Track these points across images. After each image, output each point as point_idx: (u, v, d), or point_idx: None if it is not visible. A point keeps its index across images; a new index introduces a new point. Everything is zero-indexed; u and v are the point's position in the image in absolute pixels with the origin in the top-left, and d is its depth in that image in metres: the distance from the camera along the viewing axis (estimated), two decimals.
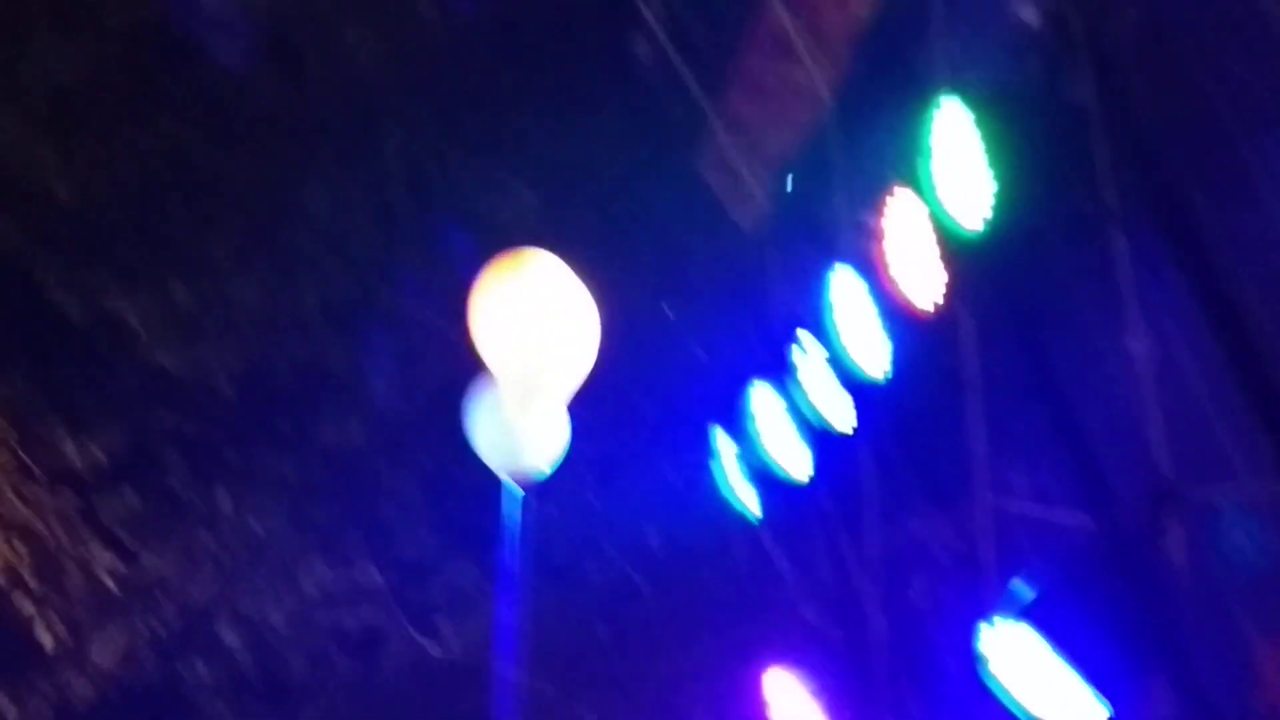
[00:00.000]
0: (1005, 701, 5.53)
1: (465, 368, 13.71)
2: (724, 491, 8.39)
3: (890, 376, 6.96)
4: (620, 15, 9.73)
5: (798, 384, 7.50)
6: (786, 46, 8.29)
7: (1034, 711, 5.47)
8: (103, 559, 13.62)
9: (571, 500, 13.38)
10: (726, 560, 10.82)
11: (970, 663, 6.09)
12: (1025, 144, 5.86)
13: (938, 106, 6.04)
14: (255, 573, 13.64)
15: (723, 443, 8.29)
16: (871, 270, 6.81)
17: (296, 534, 13.89)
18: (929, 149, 6.14)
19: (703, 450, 8.17)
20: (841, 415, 7.38)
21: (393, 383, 13.65)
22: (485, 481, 13.84)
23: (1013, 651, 5.50)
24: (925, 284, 6.46)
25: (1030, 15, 6.00)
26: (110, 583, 13.49)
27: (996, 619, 5.51)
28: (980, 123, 5.90)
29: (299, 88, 11.16)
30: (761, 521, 8.31)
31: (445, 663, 14.24)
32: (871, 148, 7.72)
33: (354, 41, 10.67)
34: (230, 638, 13.73)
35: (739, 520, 8.41)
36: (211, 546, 13.64)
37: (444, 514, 14.10)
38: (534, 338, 6.43)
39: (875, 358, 6.98)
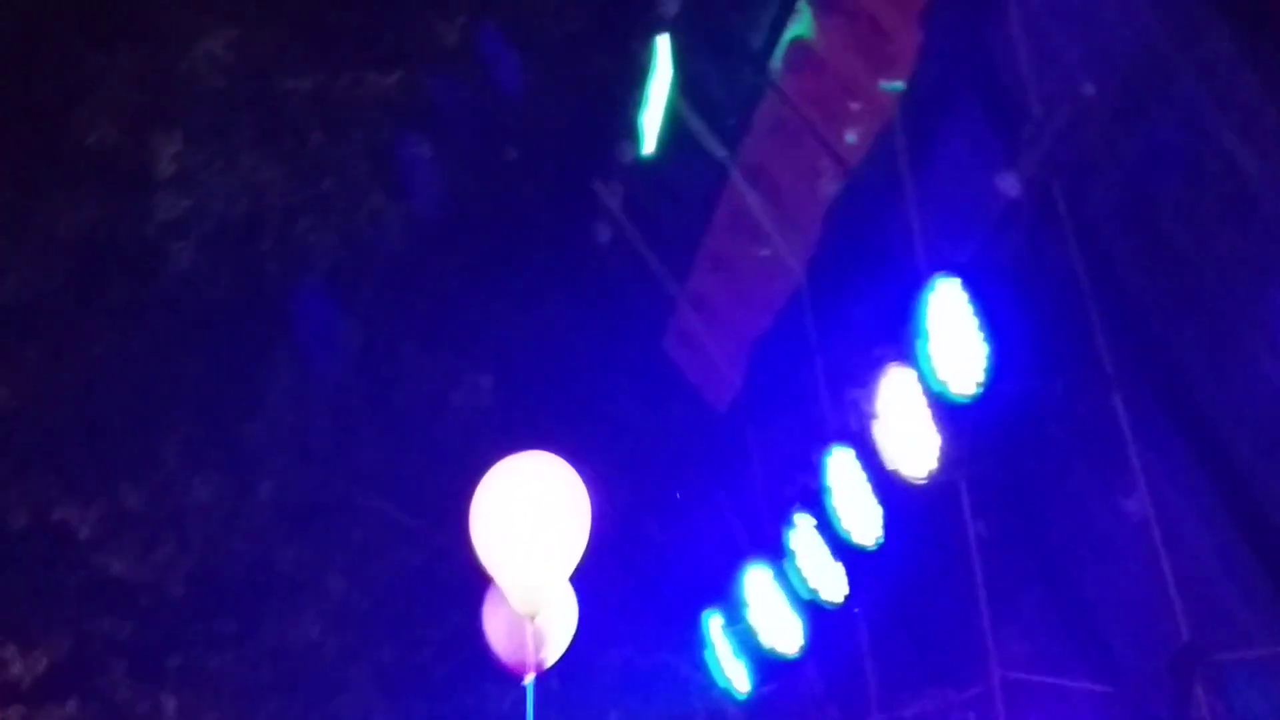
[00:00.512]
0: None
1: (422, 559, 13.65)
2: (715, 674, 8.28)
3: (882, 545, 6.94)
4: (580, 202, 9.84)
5: (793, 562, 7.46)
6: (753, 225, 8.40)
7: None
8: None
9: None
10: None
11: None
12: (1019, 314, 5.94)
13: (933, 287, 6.12)
14: None
15: (714, 627, 8.22)
16: (867, 446, 6.83)
17: None
18: (925, 326, 6.21)
19: (689, 634, 8.02)
20: (835, 588, 7.34)
21: (349, 577, 13.48)
22: (441, 668, 13.72)
23: None
24: (922, 456, 6.48)
25: (1011, 186, 6.12)
26: None
27: None
28: (974, 298, 5.98)
29: (255, 284, 11.16)
30: (750, 699, 8.19)
31: None
32: (851, 324, 7.80)
33: (311, 237, 10.69)
34: None
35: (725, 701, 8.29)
36: None
37: (401, 707, 13.87)
38: (534, 543, 6.51)
39: (870, 530, 6.97)
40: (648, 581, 12.29)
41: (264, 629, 13.72)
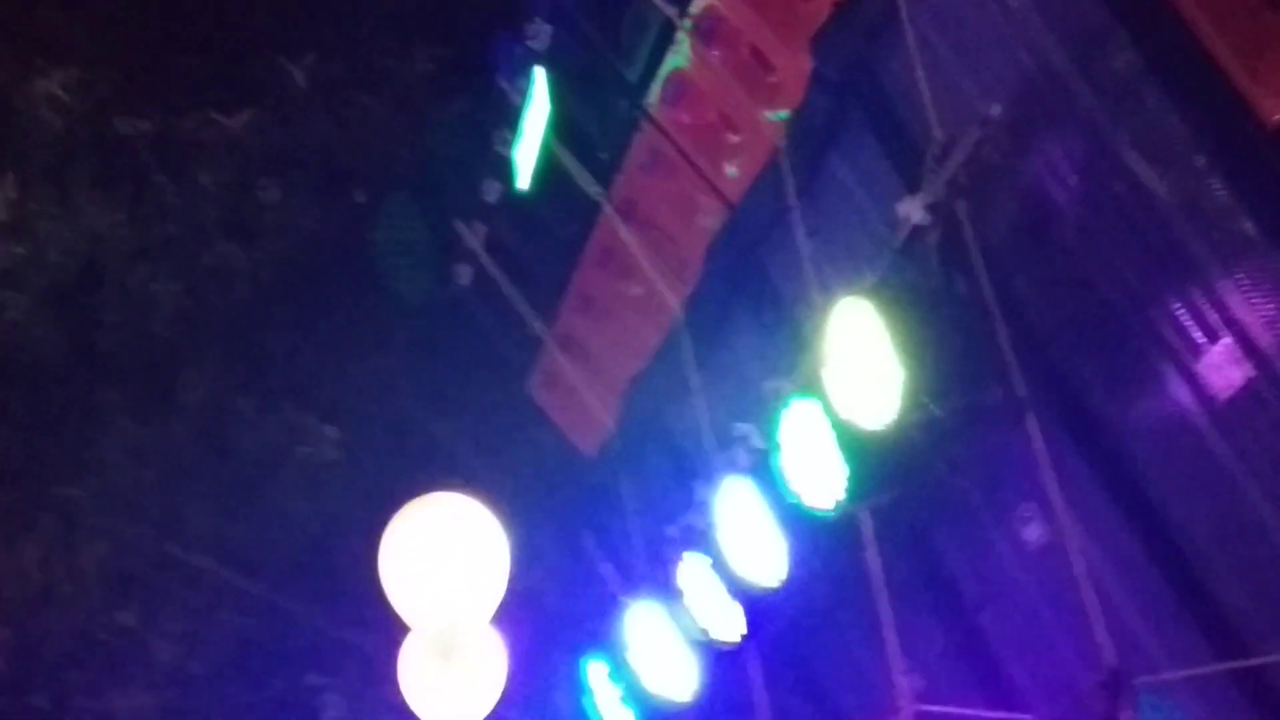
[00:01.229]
0: None
1: (260, 624, 13.20)
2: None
3: (784, 584, 6.82)
4: (440, 244, 9.61)
5: (682, 603, 7.30)
6: (626, 263, 8.27)
7: None
8: None
9: None
10: None
11: None
12: (927, 337, 5.90)
13: (833, 309, 6.04)
14: None
15: (594, 674, 8.00)
16: (765, 479, 6.72)
17: None
18: (825, 353, 6.14)
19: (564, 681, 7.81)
20: (731, 628, 7.20)
21: (179, 645, 12.99)
22: None
23: None
24: (827, 488, 6.38)
25: (914, 211, 6.08)
26: None
27: None
28: (882, 320, 5.92)
29: (90, 336, 10.70)
30: None
31: None
32: (734, 360, 7.71)
33: (152, 285, 10.27)
34: None
35: None
36: None
37: None
38: (447, 585, 6.27)
39: (769, 567, 6.85)
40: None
41: (86, 701, 13.16)
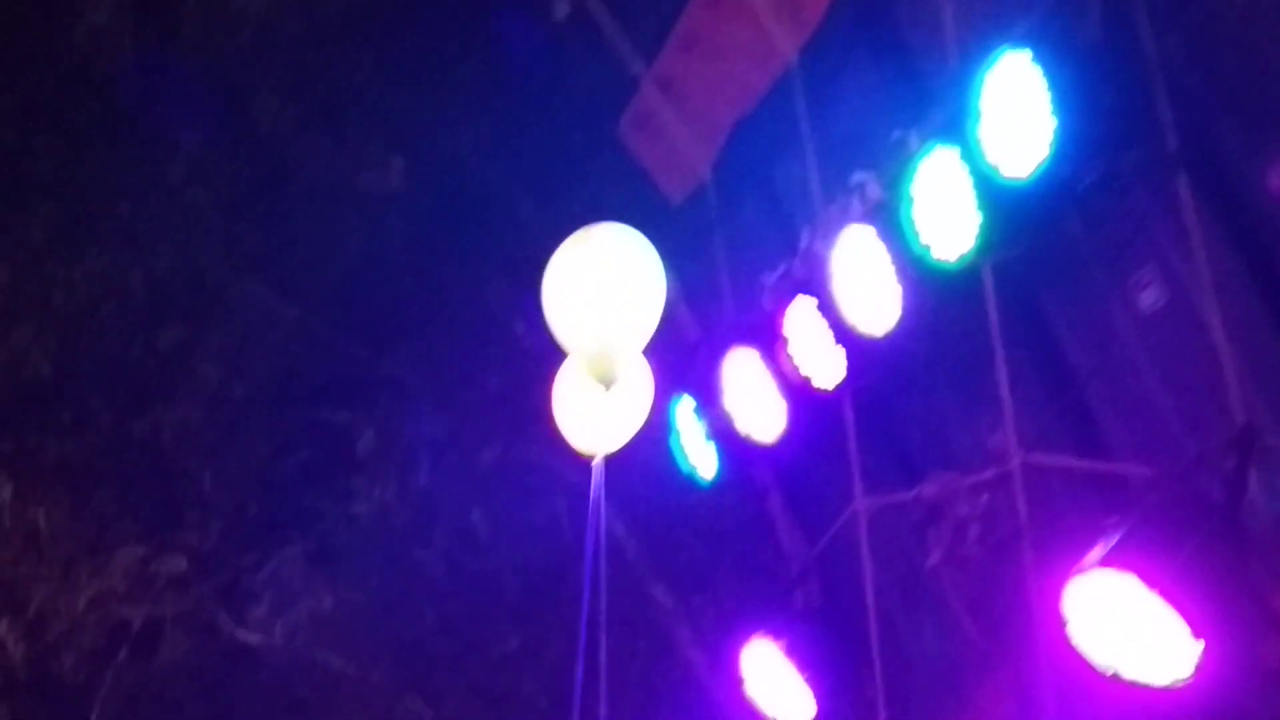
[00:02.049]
0: (1090, 658, 5.52)
1: (303, 353, 13.29)
2: (678, 459, 8.20)
3: (890, 333, 6.90)
4: None
5: (785, 347, 7.38)
6: (739, 4, 8.16)
7: (1122, 668, 5.48)
8: None
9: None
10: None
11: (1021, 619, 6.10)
12: (1081, 89, 5.87)
13: (995, 61, 6.00)
14: (36, 565, 12.95)
15: (681, 413, 8.12)
16: (884, 227, 6.75)
17: (91, 523, 13.26)
18: (970, 102, 6.12)
19: None
20: (830, 374, 7.30)
21: (223, 367, 13.10)
22: (319, 458, 13.46)
23: (1098, 603, 5.48)
24: (955, 239, 6.42)
25: None
26: None
27: (1084, 573, 5.48)
28: (1035, 70, 5.89)
29: (165, 46, 10.54)
30: (714, 485, 8.15)
31: (264, 651, 13.76)
32: (853, 108, 7.67)
33: (233, 2, 10.09)
34: (9, 636, 13.00)
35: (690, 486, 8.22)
36: None
37: (274, 497, 13.64)
38: (605, 312, 6.30)
39: (879, 315, 6.92)
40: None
41: (131, 415, 13.31)
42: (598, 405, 6.54)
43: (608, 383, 6.38)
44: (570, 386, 6.79)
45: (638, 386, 6.68)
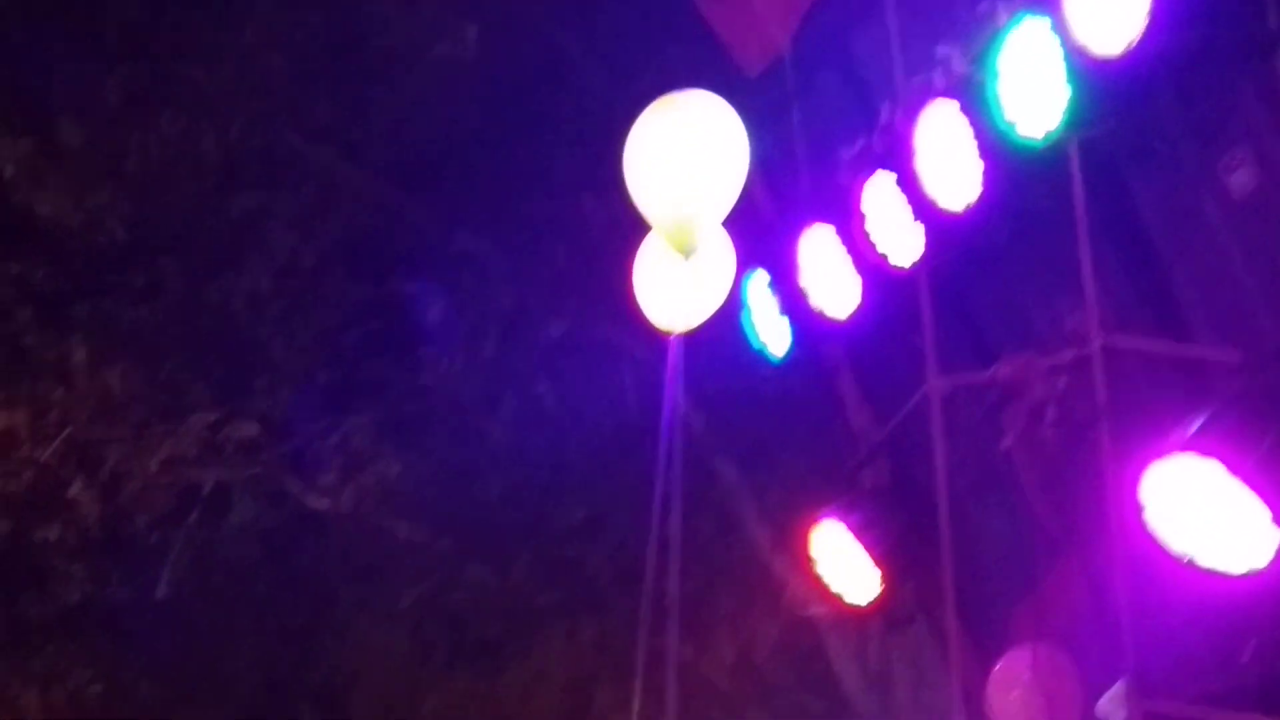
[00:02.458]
0: (1166, 543, 5.45)
1: (373, 221, 13.27)
2: (750, 335, 8.14)
3: (972, 207, 6.77)
4: None
5: (863, 223, 7.28)
6: None
7: (1199, 555, 5.41)
8: None
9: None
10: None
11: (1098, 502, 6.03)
12: None
13: None
14: (110, 427, 13.10)
15: (754, 289, 8.04)
16: (969, 102, 6.60)
17: (163, 386, 13.38)
18: None
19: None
20: (907, 251, 7.19)
21: (293, 234, 13.10)
22: (388, 328, 13.49)
23: (1178, 489, 5.40)
24: (1042, 115, 6.27)
25: None
26: None
27: (1165, 458, 5.39)
28: None
29: None
30: (785, 362, 8.09)
31: (332, 516, 13.90)
32: None
33: None
34: (84, 496, 13.19)
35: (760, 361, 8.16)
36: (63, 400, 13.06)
37: (343, 366, 13.71)
38: (689, 180, 6.22)
39: (959, 191, 6.79)
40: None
41: (202, 279, 13.37)
42: (679, 281, 6.49)
43: (687, 253, 6.31)
44: (651, 262, 6.73)
45: (719, 262, 6.62)
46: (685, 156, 6.25)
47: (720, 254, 6.65)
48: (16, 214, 12.97)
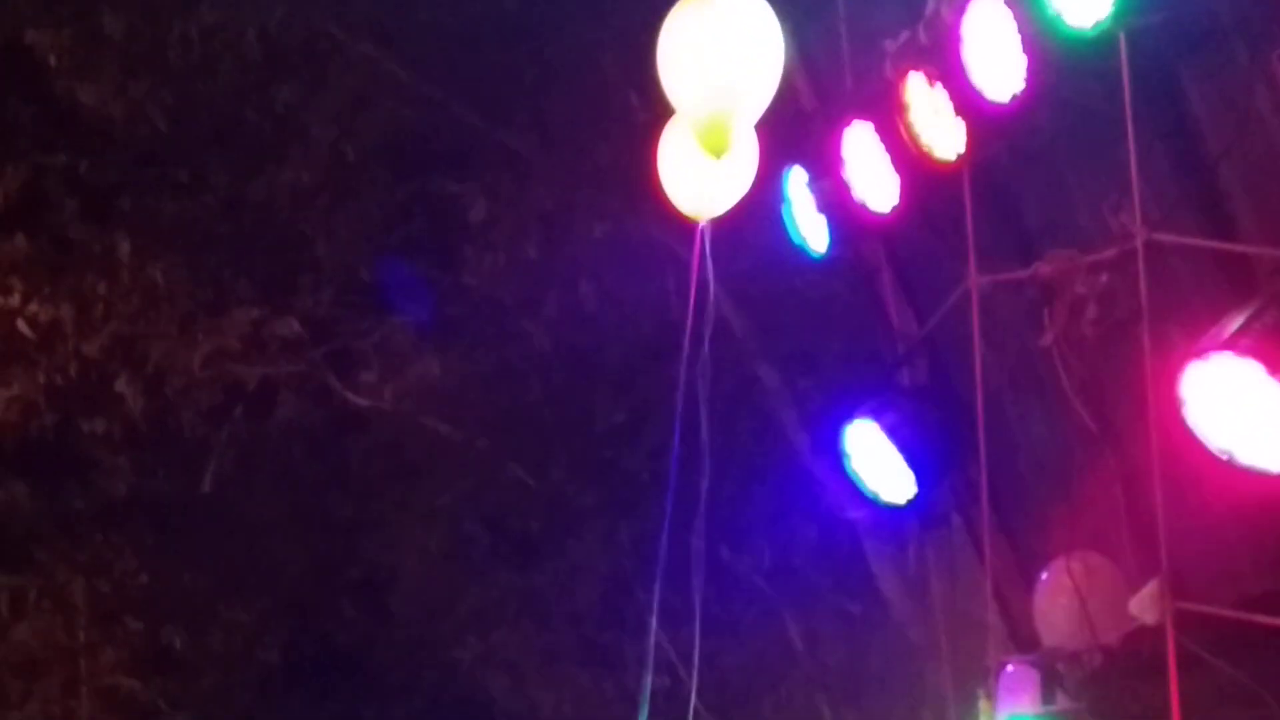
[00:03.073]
0: (1205, 441, 5.36)
1: (415, 118, 13.19)
2: (790, 230, 8.04)
3: (1015, 100, 6.62)
4: None
5: (904, 117, 7.14)
6: None
7: (1238, 452, 5.33)
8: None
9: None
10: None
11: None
12: None
13: None
14: (154, 322, 13.17)
15: (796, 182, 7.93)
16: None
17: (206, 282, 13.42)
18: None
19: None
20: (950, 145, 7.06)
21: (334, 128, 13.06)
22: (431, 226, 13.42)
23: (1218, 387, 5.30)
24: (1086, 6, 6.12)
25: None
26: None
27: (1204, 357, 5.29)
28: None
29: None
30: (825, 260, 7.99)
31: (373, 415, 13.96)
32: None
33: None
34: (129, 390, 13.28)
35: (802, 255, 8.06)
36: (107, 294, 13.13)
37: (385, 264, 13.72)
38: (721, 74, 6.09)
39: (1004, 82, 6.65)
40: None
41: (243, 177, 13.37)
42: (702, 168, 6.38)
43: (719, 155, 6.19)
44: (675, 148, 6.62)
45: (744, 151, 6.50)
46: (720, 52, 6.11)
47: (746, 145, 6.54)
48: (61, 103, 13.00)
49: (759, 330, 11.95)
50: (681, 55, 6.23)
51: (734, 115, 6.21)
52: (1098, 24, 6.16)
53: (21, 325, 12.70)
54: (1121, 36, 6.28)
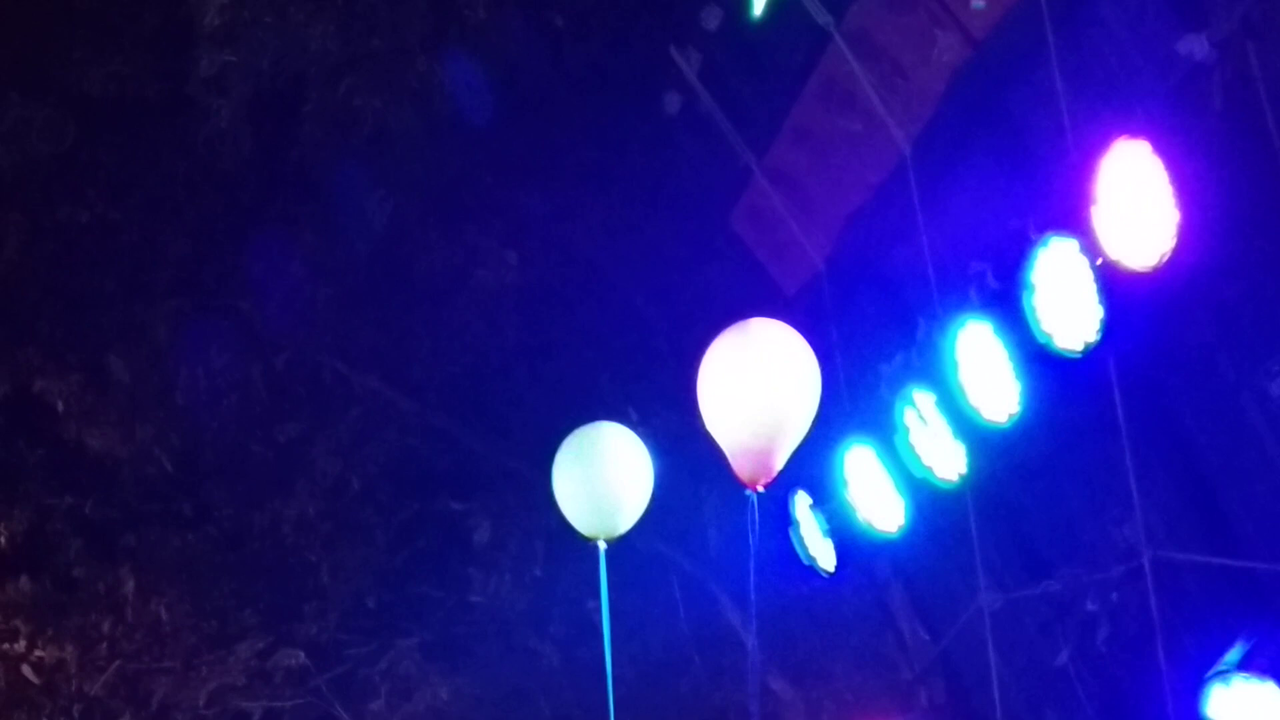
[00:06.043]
0: None
1: (419, 444, 13.37)
2: (799, 551, 8.12)
3: (1012, 424, 6.78)
4: (649, 71, 9.49)
5: (904, 440, 7.29)
6: (850, 96, 8.15)
7: None
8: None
9: None
10: None
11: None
12: (1210, 182, 5.78)
13: (1104, 149, 5.92)
14: (159, 658, 13.08)
15: (800, 506, 8.04)
16: (1002, 316, 6.67)
17: (212, 615, 13.38)
18: (1090, 193, 6.04)
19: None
20: (951, 467, 7.19)
21: (340, 460, 13.19)
22: (436, 549, 13.46)
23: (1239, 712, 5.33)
24: (1079, 329, 6.32)
25: (1197, 48, 5.93)
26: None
27: (1231, 677, 5.32)
28: (1156, 161, 5.80)
29: (286, 148, 10.74)
30: (834, 578, 8.05)
31: None
32: (967, 200, 7.61)
33: (354, 102, 10.28)
34: None
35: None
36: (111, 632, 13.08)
37: (390, 588, 13.68)
38: (763, 413, 6.23)
39: (1000, 405, 6.81)
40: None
41: (251, 508, 13.44)
42: (599, 495, 6.57)
43: (759, 485, 6.27)
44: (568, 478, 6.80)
45: (639, 479, 6.67)
46: (763, 386, 6.24)
47: (641, 473, 6.74)
48: (69, 446, 13.14)
49: (770, 643, 11.90)
50: (723, 387, 6.34)
51: (776, 450, 6.29)
52: (1087, 345, 6.35)
53: (26, 670, 12.63)
54: (1111, 357, 6.47)
